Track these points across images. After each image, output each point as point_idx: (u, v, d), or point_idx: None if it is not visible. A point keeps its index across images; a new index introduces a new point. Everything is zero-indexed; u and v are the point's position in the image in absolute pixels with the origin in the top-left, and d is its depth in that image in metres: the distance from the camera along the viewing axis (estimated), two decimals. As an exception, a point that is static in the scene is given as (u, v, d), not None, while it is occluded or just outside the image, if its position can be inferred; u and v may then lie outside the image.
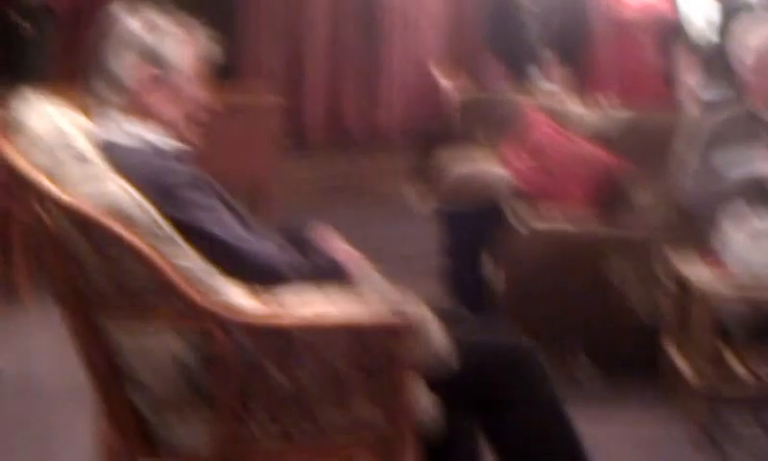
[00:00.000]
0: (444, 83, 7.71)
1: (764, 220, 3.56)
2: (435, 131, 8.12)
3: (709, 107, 4.46)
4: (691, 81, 4.81)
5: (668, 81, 4.99)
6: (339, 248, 2.60)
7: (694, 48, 5.06)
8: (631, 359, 4.04)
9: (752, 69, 3.88)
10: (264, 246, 2.42)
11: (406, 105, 8.80)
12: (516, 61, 7.10)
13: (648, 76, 4.79)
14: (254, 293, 2.31)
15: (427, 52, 8.96)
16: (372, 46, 8.53)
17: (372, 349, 2.31)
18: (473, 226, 4.16)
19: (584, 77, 4.91)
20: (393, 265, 6.38)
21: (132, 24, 2.45)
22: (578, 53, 4.93)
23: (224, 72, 7.96)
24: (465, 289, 4.21)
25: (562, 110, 4.71)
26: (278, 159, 6.85)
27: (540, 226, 4.15)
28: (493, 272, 4.14)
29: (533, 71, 6.88)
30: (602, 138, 4.58)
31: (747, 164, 3.81)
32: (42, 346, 4.28)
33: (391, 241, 6.95)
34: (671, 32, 4.83)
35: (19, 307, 4.88)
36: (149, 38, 2.44)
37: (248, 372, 2.24)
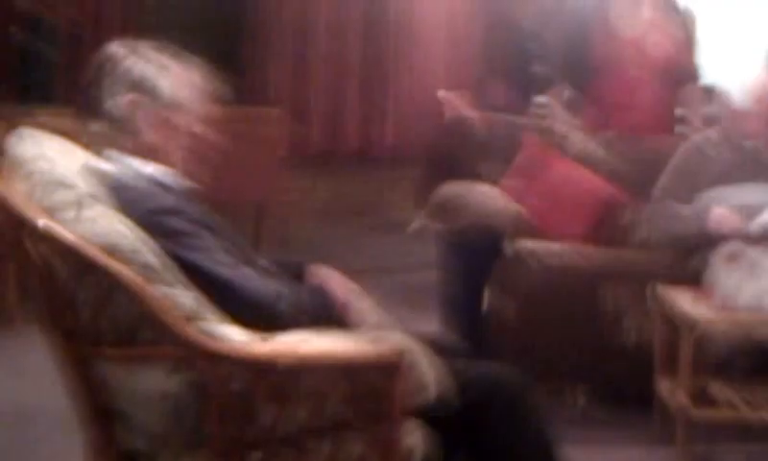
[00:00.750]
0: (452, 112, 7.72)
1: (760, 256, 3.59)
2: (440, 155, 8.15)
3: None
4: (699, 122, 4.84)
5: (671, 121, 5.00)
6: (337, 284, 2.58)
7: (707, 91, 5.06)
8: (628, 390, 4.05)
9: (731, 95, 4.12)
10: (252, 276, 2.41)
11: (410, 123, 8.84)
12: (518, 84, 7.13)
13: (649, 115, 4.79)
14: (248, 328, 2.30)
15: (431, 72, 9.00)
16: (376, 65, 8.57)
17: (363, 385, 2.31)
18: (473, 256, 4.15)
19: (586, 106, 4.91)
20: (391, 280, 6.45)
21: (130, 59, 2.45)
22: (581, 81, 4.93)
23: (229, 91, 7.96)
24: (462, 319, 4.20)
25: (561, 137, 4.72)
26: (282, 176, 6.87)
27: (544, 259, 4.15)
28: (491, 303, 4.13)
29: (534, 95, 6.91)
30: (601, 166, 4.59)
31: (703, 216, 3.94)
32: (33, 371, 4.25)
33: (391, 256, 6.99)
34: (677, 73, 4.82)
35: (11, 331, 4.86)
36: (148, 74, 2.45)
37: (239, 409, 2.24)
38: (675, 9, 5.05)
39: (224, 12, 7.55)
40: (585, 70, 4.86)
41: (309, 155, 8.05)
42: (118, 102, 2.42)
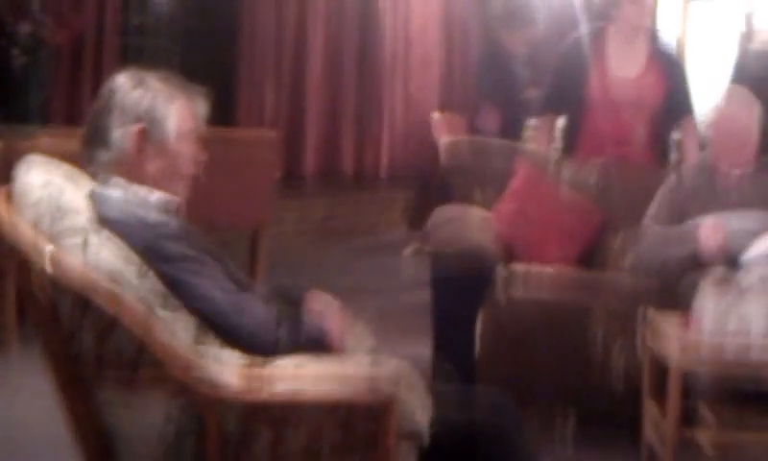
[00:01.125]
0: (444, 138, 7.78)
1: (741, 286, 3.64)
2: (434, 179, 8.22)
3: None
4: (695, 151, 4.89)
5: (664, 153, 5.05)
6: (330, 312, 2.63)
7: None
8: (617, 415, 4.08)
9: (713, 126, 4.25)
10: (251, 302, 2.46)
11: (404, 146, 8.92)
12: (511, 109, 7.18)
13: (641, 151, 4.84)
14: (247, 352, 2.35)
15: (423, 96, 9.09)
16: (371, 88, 8.64)
17: (355, 423, 2.34)
18: (465, 280, 4.19)
19: (579, 136, 4.94)
20: (385, 300, 6.47)
21: (138, 91, 2.49)
22: (574, 114, 4.97)
23: (224, 115, 8.03)
24: (454, 343, 4.24)
25: (549, 162, 4.77)
26: (275, 199, 6.91)
27: (523, 278, 4.19)
28: (483, 327, 4.17)
29: (524, 120, 6.96)
30: (592, 192, 4.64)
31: (691, 236, 4.04)
32: (30, 393, 4.28)
33: (384, 277, 7.02)
34: (671, 111, 4.88)
35: (8, 353, 4.86)
36: (155, 106, 2.49)
37: (237, 437, 2.28)
38: (667, 46, 5.10)
39: (219, 35, 7.60)
40: (578, 105, 4.90)
41: (305, 176, 8.10)
42: (126, 132, 2.46)
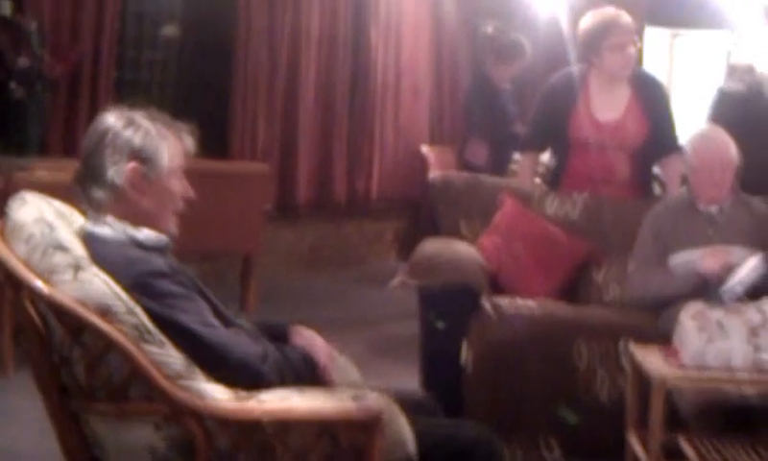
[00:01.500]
0: (431, 172, 7.83)
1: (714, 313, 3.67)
2: (422, 212, 8.26)
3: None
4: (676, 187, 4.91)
5: (648, 189, 5.07)
6: (319, 346, 2.65)
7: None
8: (601, 443, 4.09)
9: (690, 164, 4.30)
10: (237, 338, 2.48)
11: (392, 178, 8.96)
12: (496, 142, 7.22)
13: (625, 189, 4.86)
14: (233, 387, 2.37)
15: (413, 127, 9.13)
16: (362, 121, 8.68)
17: (344, 441, 2.38)
18: (451, 312, 4.20)
19: (564, 172, 4.96)
20: (374, 330, 6.47)
21: (129, 130, 2.51)
22: (559, 152, 4.99)
23: (217, 147, 8.04)
24: (440, 372, 4.25)
25: (533, 196, 4.79)
26: (267, 228, 6.95)
27: (507, 310, 4.21)
28: (469, 357, 4.18)
29: (511, 154, 6.99)
30: (576, 226, 4.66)
31: (688, 260, 4.13)
32: (25, 417, 4.29)
33: (374, 307, 7.04)
34: (655, 149, 4.89)
35: (3, 378, 4.87)
36: (147, 143, 2.51)
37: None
38: (654, 83, 5.09)
39: (213, 69, 7.64)
40: (561, 143, 4.92)
41: (297, 206, 8.13)
42: (120, 170, 2.48)
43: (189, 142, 2.61)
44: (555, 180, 4.99)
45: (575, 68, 4.98)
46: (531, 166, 5.20)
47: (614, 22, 4.77)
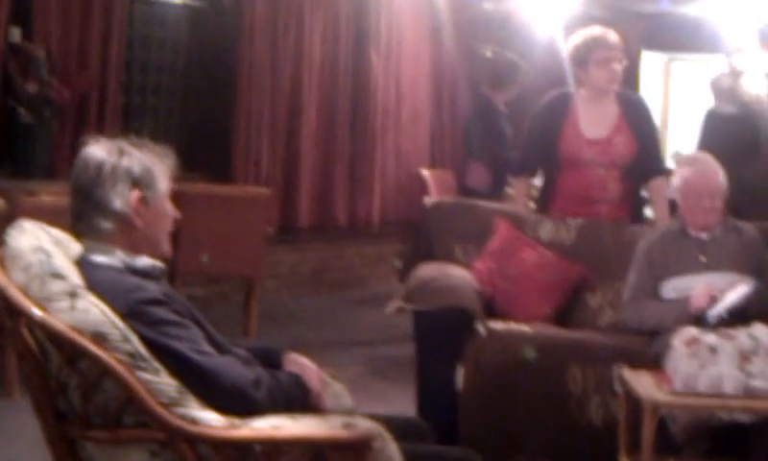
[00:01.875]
0: (427, 198, 7.82)
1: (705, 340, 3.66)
2: (420, 237, 8.25)
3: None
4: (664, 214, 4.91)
5: (639, 211, 5.07)
6: (311, 373, 2.64)
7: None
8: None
9: (679, 192, 4.28)
10: (230, 365, 2.47)
11: (393, 201, 8.97)
12: (496, 165, 7.21)
13: (616, 209, 4.86)
14: (226, 413, 2.36)
15: (413, 151, 9.15)
16: (362, 145, 8.70)
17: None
18: (446, 337, 4.19)
19: (556, 195, 4.96)
20: (373, 352, 6.43)
21: (126, 158, 2.51)
22: (550, 173, 5.00)
23: (221, 169, 8.03)
24: (436, 396, 4.24)
25: (527, 221, 4.79)
26: (270, 251, 6.95)
27: (500, 330, 4.20)
28: (464, 381, 4.17)
29: (508, 176, 6.98)
30: (570, 251, 4.66)
31: (682, 289, 4.12)
32: (30, 440, 4.27)
33: (373, 329, 7.03)
34: (643, 169, 4.90)
35: (9, 401, 4.87)
36: (146, 170, 2.51)
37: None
38: (641, 103, 5.12)
39: (217, 96, 7.66)
40: (552, 165, 4.92)
41: (299, 229, 8.13)
42: (125, 199, 2.48)
43: (171, 164, 2.61)
44: (544, 200, 4.99)
45: (563, 91, 5.01)
46: (525, 190, 5.20)
47: (601, 38, 4.85)
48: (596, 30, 4.92)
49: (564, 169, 4.85)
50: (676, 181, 4.33)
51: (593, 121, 4.85)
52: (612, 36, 4.87)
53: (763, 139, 8.00)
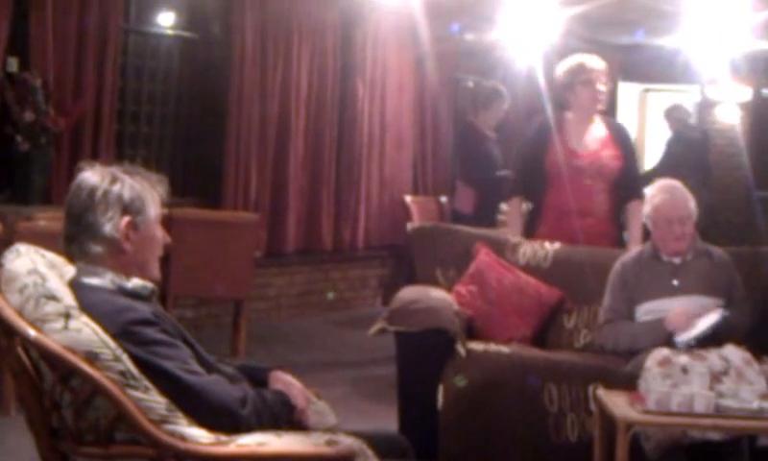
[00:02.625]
0: (414, 221, 7.85)
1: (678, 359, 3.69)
2: (404, 261, 8.28)
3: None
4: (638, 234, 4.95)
5: (619, 229, 5.11)
6: (297, 391, 2.65)
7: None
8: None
9: (650, 219, 4.33)
10: (218, 383, 2.48)
11: (377, 225, 8.99)
12: (480, 188, 7.24)
13: (601, 221, 4.91)
14: (214, 430, 2.37)
15: (397, 178, 9.18)
16: (348, 170, 8.72)
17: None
18: (427, 357, 4.20)
19: (541, 216, 5.00)
20: (358, 373, 6.44)
21: (117, 185, 2.52)
22: (536, 193, 5.03)
23: (211, 195, 8.02)
24: (417, 415, 4.24)
25: (506, 245, 4.81)
26: (258, 274, 6.95)
27: (478, 350, 4.22)
28: (444, 400, 4.18)
29: (498, 200, 7.00)
30: (548, 274, 4.68)
31: (658, 310, 4.15)
32: (25, 455, 4.24)
33: (358, 349, 7.04)
34: (625, 186, 4.96)
35: (7, 417, 4.85)
36: (136, 196, 2.52)
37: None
38: (625, 131, 5.20)
39: (208, 124, 7.68)
40: (542, 183, 4.96)
41: (287, 253, 8.15)
42: (115, 225, 2.49)
43: (163, 191, 2.62)
44: (532, 221, 5.03)
45: (552, 114, 5.12)
46: (518, 212, 5.22)
47: (586, 61, 5.00)
48: (582, 56, 5.07)
49: (551, 183, 4.90)
50: (647, 208, 4.38)
51: (582, 137, 4.97)
52: (597, 61, 5.02)
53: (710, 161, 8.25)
